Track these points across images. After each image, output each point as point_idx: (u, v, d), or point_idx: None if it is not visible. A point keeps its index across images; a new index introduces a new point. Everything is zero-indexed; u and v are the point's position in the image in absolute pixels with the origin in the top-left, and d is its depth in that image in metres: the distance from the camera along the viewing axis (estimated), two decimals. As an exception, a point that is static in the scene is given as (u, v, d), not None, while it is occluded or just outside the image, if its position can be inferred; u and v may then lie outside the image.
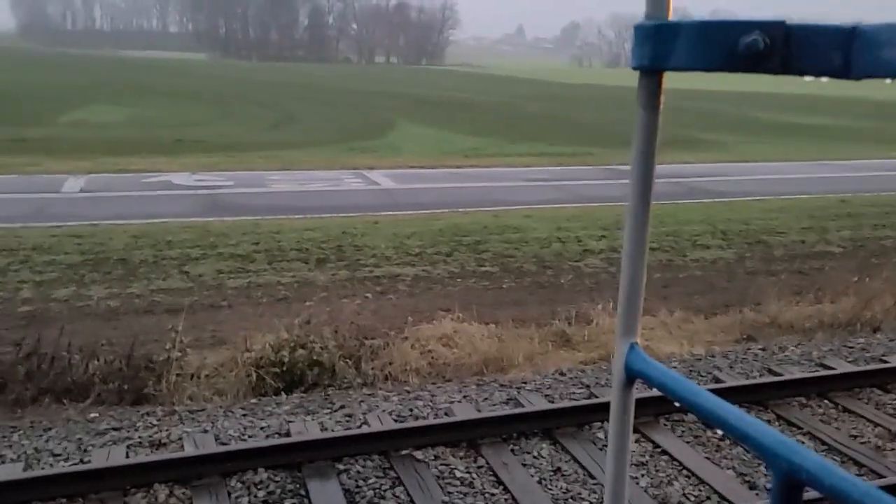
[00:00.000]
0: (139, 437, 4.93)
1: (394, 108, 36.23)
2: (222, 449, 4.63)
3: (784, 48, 0.60)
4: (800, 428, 5.22)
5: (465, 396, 5.71)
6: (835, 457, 4.90)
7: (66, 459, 4.61)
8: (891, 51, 0.54)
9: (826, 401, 5.64)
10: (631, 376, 0.85)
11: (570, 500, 4.37)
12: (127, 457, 4.61)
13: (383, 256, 10.36)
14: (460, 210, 13.64)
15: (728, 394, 5.52)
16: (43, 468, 4.46)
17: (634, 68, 0.76)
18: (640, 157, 0.80)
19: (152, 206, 13.21)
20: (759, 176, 19.16)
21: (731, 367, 6.34)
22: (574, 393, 5.78)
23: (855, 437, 5.14)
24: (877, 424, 5.31)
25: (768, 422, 5.31)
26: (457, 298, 8.47)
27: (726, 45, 0.64)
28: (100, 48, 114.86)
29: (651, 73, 0.76)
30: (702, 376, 6.12)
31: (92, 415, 5.35)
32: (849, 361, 6.49)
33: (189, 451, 4.66)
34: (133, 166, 17.29)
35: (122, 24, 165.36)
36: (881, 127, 33.31)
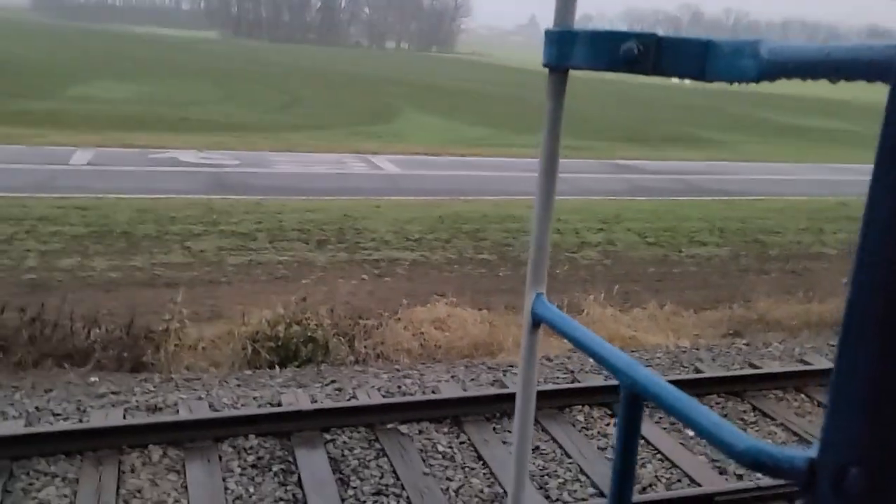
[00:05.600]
0: (136, 401, 5.12)
1: (401, 95, 36.33)
2: (215, 415, 4.82)
3: (655, 55, 0.76)
4: (773, 419, 5.40)
5: (452, 377, 5.90)
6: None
7: (66, 419, 4.81)
8: (737, 60, 0.69)
9: (802, 395, 5.81)
10: (537, 320, 1.02)
11: (547, 476, 4.56)
12: (124, 418, 4.80)
13: (383, 240, 10.53)
14: (462, 198, 13.80)
15: (706, 385, 5.70)
16: (43, 426, 4.66)
17: (544, 66, 0.92)
18: (548, 139, 0.97)
19: (158, 181, 13.38)
20: (761, 176, 19.27)
21: (713, 360, 6.51)
22: (558, 377, 5.96)
23: (827, 429, 5.31)
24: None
25: (744, 412, 5.50)
26: (452, 284, 8.64)
27: (610, 51, 0.80)
28: (111, 23, 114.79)
29: (557, 70, 0.93)
30: (684, 367, 6.30)
31: (92, 379, 5.54)
32: (829, 359, 6.65)
33: (184, 415, 4.86)
34: (139, 142, 17.45)
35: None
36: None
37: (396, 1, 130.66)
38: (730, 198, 15.86)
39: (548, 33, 0.90)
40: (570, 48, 0.87)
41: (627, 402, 0.80)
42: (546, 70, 0.94)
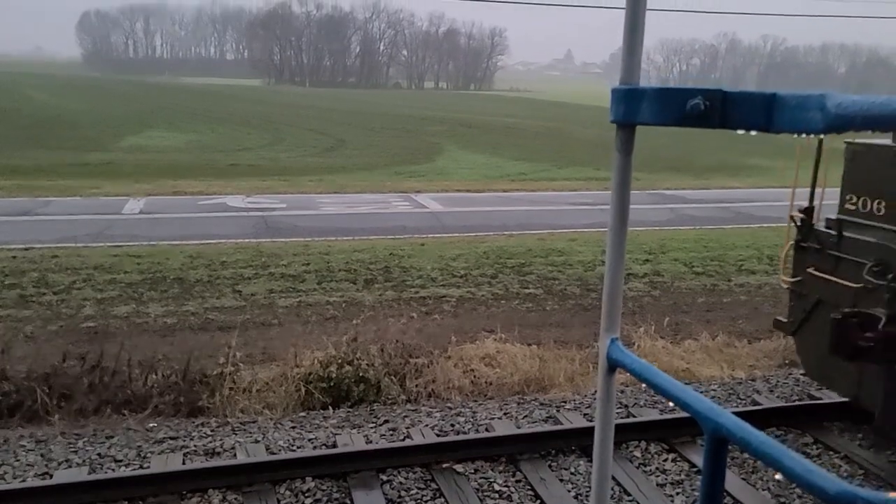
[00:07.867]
0: (195, 445, 5.20)
1: (442, 133, 36.71)
2: (272, 458, 4.87)
3: (721, 110, 0.78)
4: (837, 452, 5.24)
5: (505, 414, 5.86)
6: (872, 481, 4.91)
7: (128, 465, 4.90)
8: (801, 113, 0.71)
9: (866, 426, 5.62)
10: (612, 365, 1.03)
11: (605, 515, 4.48)
12: (183, 463, 4.88)
13: (429, 278, 10.59)
14: (505, 233, 13.82)
15: (765, 417, 5.57)
16: (106, 472, 4.76)
17: (612, 122, 0.96)
18: (618, 190, 1.00)
19: (208, 227, 13.70)
20: (810, 201, 18.89)
21: (770, 391, 6.36)
22: (612, 413, 5.87)
23: (895, 462, 5.14)
24: (919, 450, 5.29)
25: (806, 444, 5.35)
26: (500, 319, 8.63)
27: (677, 107, 0.82)
28: (160, 75, 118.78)
29: (625, 125, 0.96)
30: (740, 399, 6.17)
31: (150, 425, 5.65)
32: (892, 387, 6.44)
33: (241, 459, 4.91)
34: (190, 189, 17.93)
35: (182, 51, 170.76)
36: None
37: (434, 42, 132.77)
38: (777, 224, 15.57)
39: (614, 91, 0.93)
40: (637, 105, 0.90)
41: (712, 447, 0.80)
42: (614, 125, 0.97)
